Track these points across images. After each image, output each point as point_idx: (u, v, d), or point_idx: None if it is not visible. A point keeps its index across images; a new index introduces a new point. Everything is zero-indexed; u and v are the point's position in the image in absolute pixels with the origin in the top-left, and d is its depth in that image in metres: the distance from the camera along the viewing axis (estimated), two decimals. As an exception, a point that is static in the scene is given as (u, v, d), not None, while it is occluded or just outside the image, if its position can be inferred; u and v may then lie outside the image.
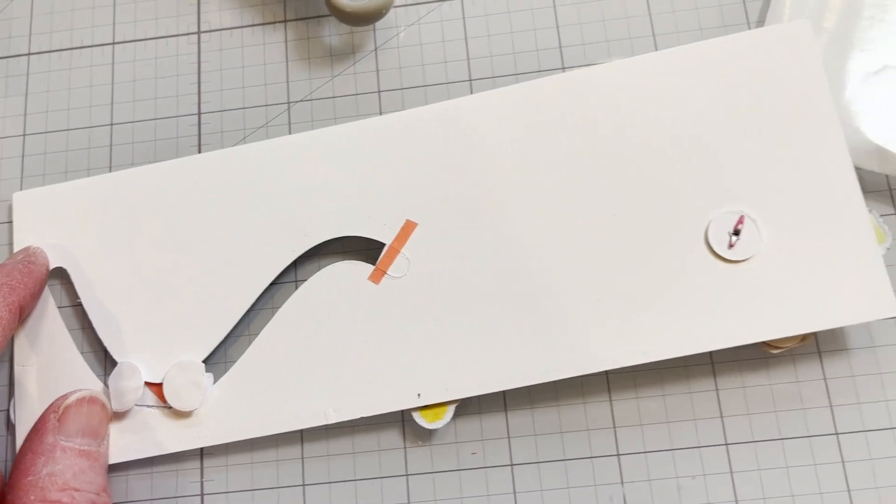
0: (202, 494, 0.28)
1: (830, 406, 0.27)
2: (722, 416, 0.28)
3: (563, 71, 0.31)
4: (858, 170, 0.29)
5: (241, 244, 0.29)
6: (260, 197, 0.29)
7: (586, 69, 0.29)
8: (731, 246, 0.27)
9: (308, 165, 0.29)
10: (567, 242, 0.28)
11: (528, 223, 0.28)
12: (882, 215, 0.29)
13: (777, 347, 0.26)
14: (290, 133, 0.32)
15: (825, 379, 0.28)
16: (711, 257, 0.27)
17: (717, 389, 0.28)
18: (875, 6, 0.30)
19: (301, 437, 0.29)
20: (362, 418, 0.28)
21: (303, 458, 0.29)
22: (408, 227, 0.28)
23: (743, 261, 0.27)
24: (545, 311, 0.27)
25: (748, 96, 0.28)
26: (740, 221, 0.27)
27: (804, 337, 0.26)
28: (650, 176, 0.28)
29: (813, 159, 0.27)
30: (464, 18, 0.32)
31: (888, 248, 0.27)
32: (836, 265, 0.26)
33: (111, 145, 0.32)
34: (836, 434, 0.27)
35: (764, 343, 0.26)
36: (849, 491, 0.27)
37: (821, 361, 0.28)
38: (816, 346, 0.28)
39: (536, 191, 0.28)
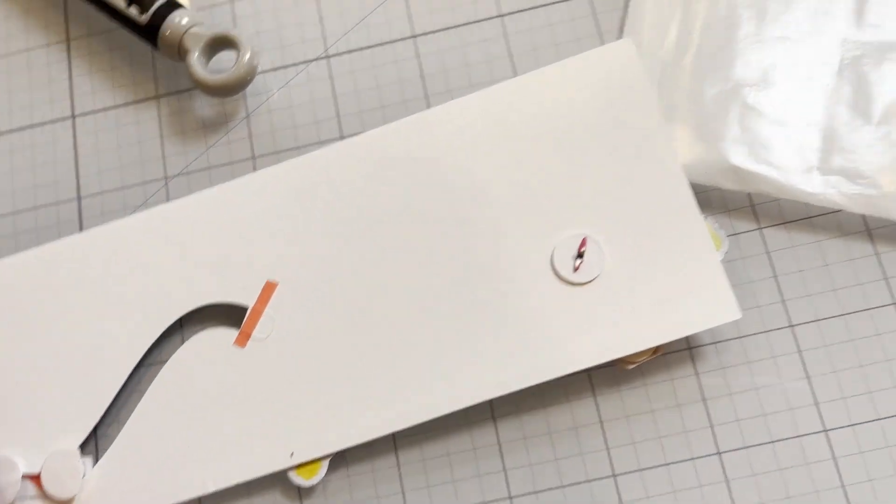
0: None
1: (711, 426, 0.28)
2: (602, 421, 0.28)
3: (427, 98, 0.32)
4: (720, 190, 0.30)
5: (107, 326, 0.29)
6: (122, 274, 0.29)
7: (423, 113, 0.30)
8: (576, 269, 0.27)
9: (166, 238, 0.30)
10: (421, 286, 0.28)
11: (381, 270, 0.28)
12: (730, 234, 0.30)
13: (631, 362, 0.27)
14: (169, 208, 0.32)
15: (704, 400, 0.28)
16: (559, 283, 0.28)
17: (598, 405, 0.28)
18: (728, 26, 0.31)
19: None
20: (244, 484, 0.28)
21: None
22: (269, 288, 0.29)
23: (589, 282, 0.27)
24: (406, 357, 0.28)
25: (582, 120, 0.29)
26: (583, 244, 0.28)
27: (656, 349, 0.27)
28: (495, 209, 0.29)
29: (647, 175, 0.28)
30: (331, 77, 0.33)
31: (726, 253, 0.28)
32: (679, 275, 0.27)
33: (-6, 238, 0.32)
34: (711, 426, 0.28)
35: (619, 359, 0.27)
36: (727, 481, 0.27)
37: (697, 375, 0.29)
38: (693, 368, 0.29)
39: (388, 237, 0.29)
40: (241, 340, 0.29)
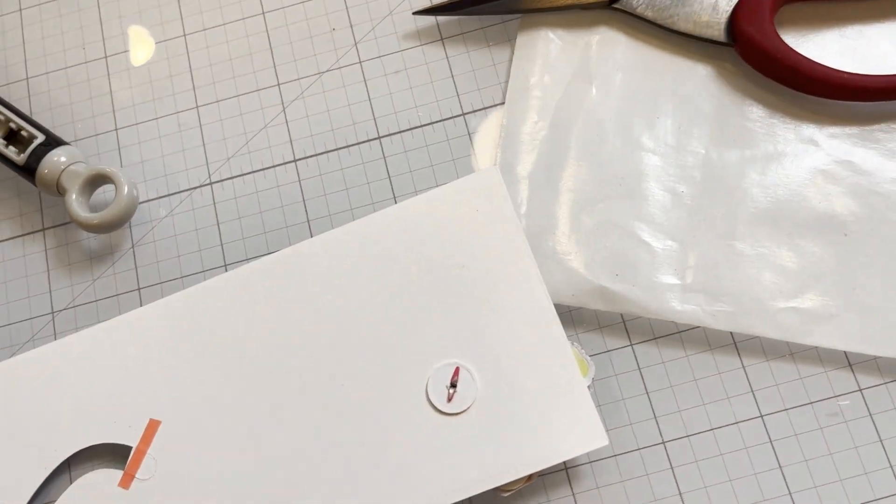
0: None
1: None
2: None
3: (308, 223, 0.32)
4: (587, 310, 0.31)
5: None
6: (8, 417, 0.29)
7: (300, 244, 0.30)
8: (449, 399, 0.28)
9: (50, 378, 0.30)
10: (302, 419, 0.28)
11: (261, 405, 0.29)
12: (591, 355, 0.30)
13: (507, 490, 0.28)
14: (55, 344, 0.32)
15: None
16: (434, 413, 0.28)
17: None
18: (598, 143, 0.32)
19: None
20: None
21: None
22: (152, 426, 0.29)
23: (463, 411, 0.28)
24: (290, 493, 0.28)
25: (453, 248, 0.30)
26: (455, 373, 0.28)
27: (529, 476, 0.27)
28: (372, 340, 0.29)
29: (516, 302, 0.29)
30: (214, 203, 0.33)
31: (594, 378, 0.28)
32: (549, 402, 0.28)
33: None
34: (595, 576, 0.28)
35: (496, 487, 0.27)
36: None
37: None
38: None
39: (267, 370, 0.29)
40: (126, 482, 0.29)
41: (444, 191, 0.30)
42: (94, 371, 0.30)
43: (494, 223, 0.30)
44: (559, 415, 0.28)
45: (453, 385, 0.28)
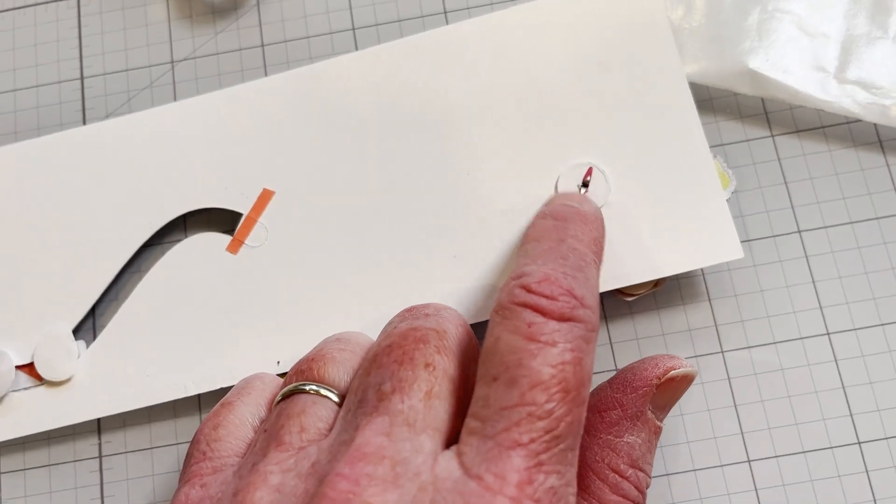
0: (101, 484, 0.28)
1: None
2: (612, 344, 0.28)
3: (445, 15, 0.31)
4: (734, 95, 0.30)
5: (102, 219, 0.28)
6: (119, 172, 0.29)
7: (436, 31, 0.29)
8: None
9: (165, 139, 0.29)
10: (423, 203, 0.28)
11: (379, 189, 0.28)
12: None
13: (631, 294, 0.27)
14: (174, 92, 0.31)
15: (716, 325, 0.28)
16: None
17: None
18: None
19: (199, 404, 0.28)
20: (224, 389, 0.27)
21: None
22: (265, 196, 0.28)
23: None
24: (401, 273, 0.27)
25: (596, 50, 0.28)
26: (588, 173, 0.27)
27: (657, 283, 0.26)
28: (504, 131, 0.28)
29: (659, 108, 0.27)
30: (345, -31, 0.32)
31: (733, 192, 0.27)
32: (684, 211, 0.27)
33: (-8, 114, 0.32)
34: (722, 352, 0.28)
35: (618, 291, 0.27)
36: (735, 406, 0.27)
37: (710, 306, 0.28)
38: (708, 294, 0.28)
39: (388, 156, 0.28)
40: (234, 247, 0.28)
41: None
42: (210, 136, 0.29)
43: (643, 25, 0.28)
44: (694, 224, 0.26)
45: (585, 185, 0.27)
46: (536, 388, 0.19)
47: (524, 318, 0.20)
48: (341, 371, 0.22)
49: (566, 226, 0.23)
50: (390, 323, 0.23)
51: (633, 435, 0.23)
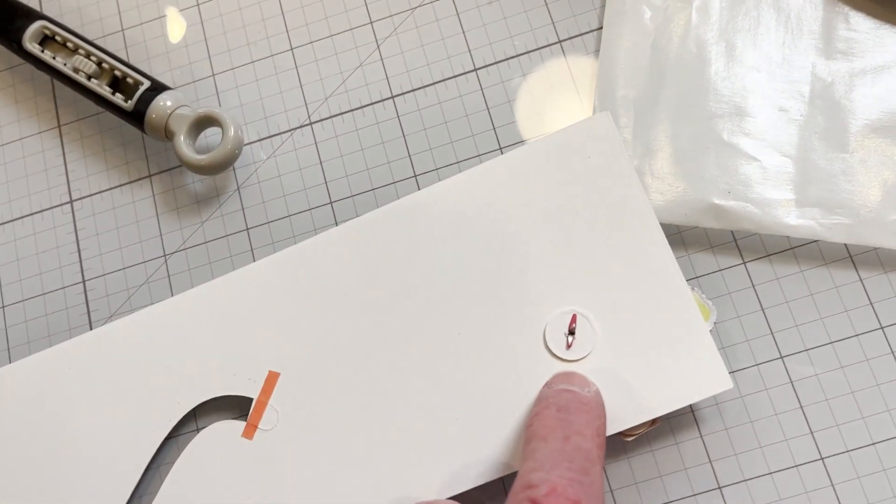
0: None
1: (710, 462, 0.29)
2: (612, 491, 0.29)
3: (416, 179, 0.33)
4: (702, 229, 0.31)
5: (121, 421, 0.30)
6: (131, 372, 0.30)
7: (412, 196, 0.30)
8: (568, 346, 0.28)
9: (169, 333, 0.30)
10: (420, 368, 0.29)
11: (379, 355, 0.29)
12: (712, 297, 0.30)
13: (630, 435, 0.28)
14: (170, 285, 0.33)
15: (701, 436, 0.29)
16: (554, 360, 0.28)
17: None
18: (699, 62, 0.32)
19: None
20: None
21: None
22: (271, 379, 0.30)
23: (582, 358, 0.28)
24: (411, 439, 0.28)
25: (565, 196, 0.29)
26: (573, 321, 0.28)
27: (653, 420, 0.27)
28: (487, 288, 0.29)
29: (633, 248, 0.28)
30: (315, 143, 0.34)
31: (715, 323, 0.28)
32: (670, 348, 0.27)
33: (6, 328, 0.33)
34: (719, 488, 0.28)
35: (618, 432, 0.28)
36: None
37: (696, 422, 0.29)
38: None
39: (383, 321, 0.29)
40: (249, 433, 0.29)
41: (554, 138, 0.30)
42: (212, 325, 0.30)
43: (608, 168, 0.29)
44: (681, 360, 0.27)
45: (571, 332, 0.28)
46: None
47: None
48: None
49: (570, 419, 0.24)
50: None
51: None
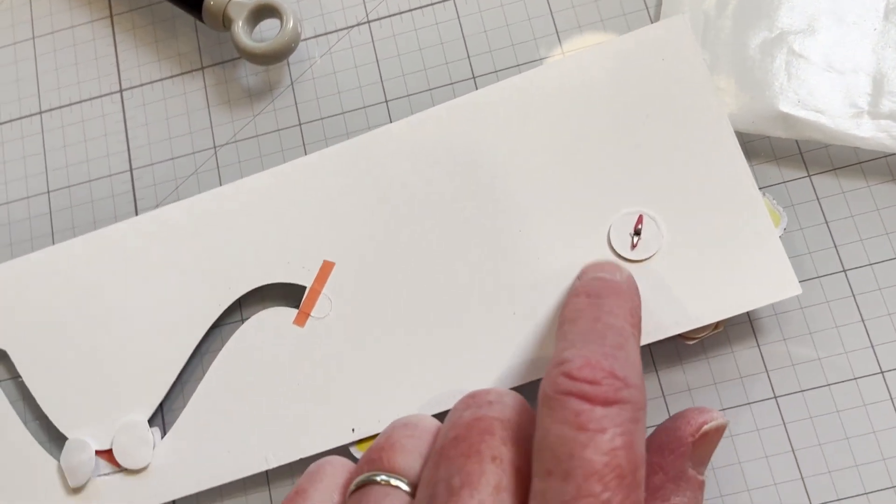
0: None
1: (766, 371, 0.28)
2: (664, 396, 0.28)
3: (474, 80, 0.32)
4: (768, 138, 0.30)
5: (169, 304, 0.30)
6: (182, 256, 0.30)
7: (473, 94, 0.29)
8: (633, 246, 0.27)
9: (224, 220, 0.30)
10: (478, 262, 0.28)
11: (435, 251, 0.29)
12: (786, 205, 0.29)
13: (691, 338, 0.27)
14: (219, 177, 0.32)
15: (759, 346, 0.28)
16: (618, 259, 0.27)
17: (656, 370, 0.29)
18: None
19: (267, 479, 0.29)
20: (306, 459, 0.28)
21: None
22: (326, 268, 0.29)
23: (647, 259, 0.27)
24: (463, 333, 0.28)
25: (635, 98, 0.29)
26: (639, 221, 0.27)
27: (717, 324, 0.27)
28: (553, 187, 0.28)
29: (703, 152, 0.28)
30: (373, 41, 0.33)
31: (785, 230, 0.27)
32: (738, 251, 0.27)
33: (50, 212, 0.33)
34: (775, 397, 0.28)
35: (678, 335, 0.27)
36: (793, 451, 0.27)
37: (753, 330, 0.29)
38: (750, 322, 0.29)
39: (441, 218, 0.29)
40: (301, 320, 0.29)
41: (628, 38, 0.29)
42: (266, 213, 0.30)
43: (682, 71, 0.28)
44: (749, 264, 0.27)
45: (637, 233, 0.27)
46: (591, 479, 0.19)
47: (571, 408, 0.20)
48: (410, 459, 0.23)
49: (600, 302, 0.24)
50: (455, 410, 0.23)
51: (678, 496, 0.23)
